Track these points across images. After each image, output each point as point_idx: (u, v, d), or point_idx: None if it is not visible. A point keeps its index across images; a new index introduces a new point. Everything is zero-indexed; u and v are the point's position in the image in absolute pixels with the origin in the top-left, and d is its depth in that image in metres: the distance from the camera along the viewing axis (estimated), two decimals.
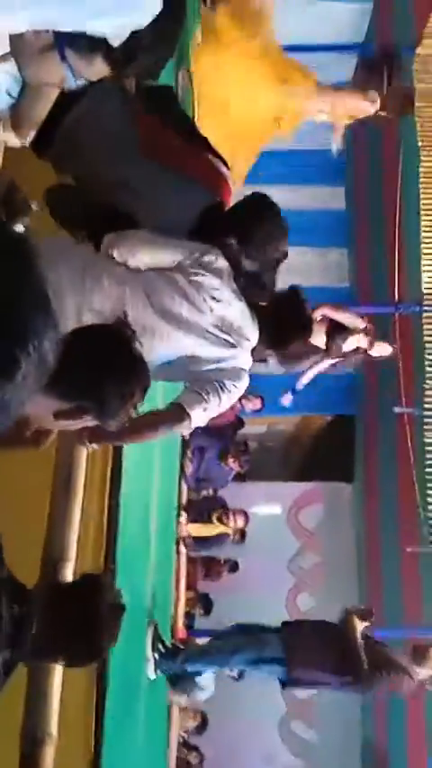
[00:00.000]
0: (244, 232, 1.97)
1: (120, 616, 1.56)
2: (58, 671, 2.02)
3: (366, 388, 7.37)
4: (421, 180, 5.78)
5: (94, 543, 2.74)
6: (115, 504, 2.88)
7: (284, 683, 3.89)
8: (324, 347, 4.52)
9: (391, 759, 6.34)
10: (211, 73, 2.73)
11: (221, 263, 1.94)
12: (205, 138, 2.25)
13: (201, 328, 1.91)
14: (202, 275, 1.90)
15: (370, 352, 4.78)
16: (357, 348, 4.69)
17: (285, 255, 2.04)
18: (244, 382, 2.01)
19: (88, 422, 1.36)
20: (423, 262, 5.63)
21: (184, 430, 2.04)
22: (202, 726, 5.75)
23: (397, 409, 5.82)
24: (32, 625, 1.44)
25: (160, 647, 3.86)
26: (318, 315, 4.39)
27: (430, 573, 5.63)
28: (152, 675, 3.78)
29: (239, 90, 3.02)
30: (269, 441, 9.42)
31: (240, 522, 6.10)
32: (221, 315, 1.93)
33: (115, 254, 1.86)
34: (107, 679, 2.70)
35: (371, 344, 4.72)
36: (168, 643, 4.07)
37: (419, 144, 5.71)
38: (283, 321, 2.05)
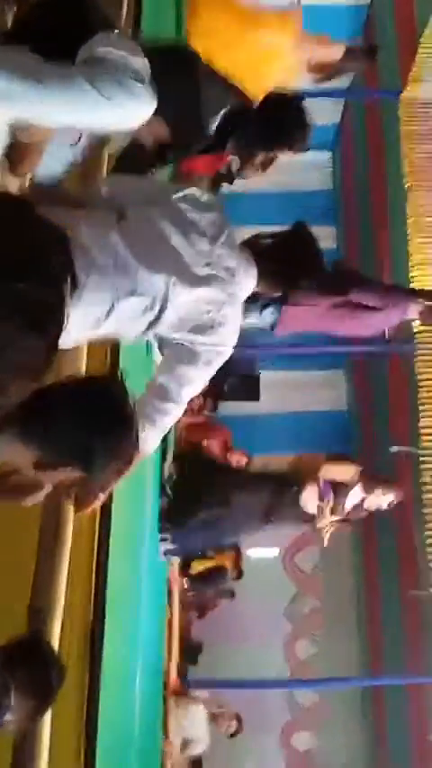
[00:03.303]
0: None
1: None
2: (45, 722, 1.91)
3: (361, 425, 7.31)
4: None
5: (82, 594, 2.64)
6: (104, 551, 2.79)
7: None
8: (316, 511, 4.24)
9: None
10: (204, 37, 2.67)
11: (209, 197, 1.84)
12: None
13: (188, 267, 1.75)
14: (192, 211, 1.78)
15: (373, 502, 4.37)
16: (361, 500, 4.30)
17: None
18: (229, 346, 1.83)
19: (70, 474, 1.30)
20: (411, 273, 5.57)
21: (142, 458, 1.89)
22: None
23: (394, 449, 5.75)
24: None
25: None
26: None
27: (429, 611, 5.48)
28: None
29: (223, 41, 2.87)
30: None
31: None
32: (215, 252, 1.78)
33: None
34: (96, 731, 2.57)
35: (370, 492, 4.31)
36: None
37: (406, 186, 5.76)
38: (293, 257, 1.90)
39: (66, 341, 1.61)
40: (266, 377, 7.63)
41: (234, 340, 1.85)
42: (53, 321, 0.91)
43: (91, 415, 1.32)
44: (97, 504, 1.85)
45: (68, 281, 1.11)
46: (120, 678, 3.13)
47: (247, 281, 1.88)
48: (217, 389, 7.16)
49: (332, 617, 7.16)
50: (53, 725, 1.92)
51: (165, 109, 1.75)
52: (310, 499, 4.22)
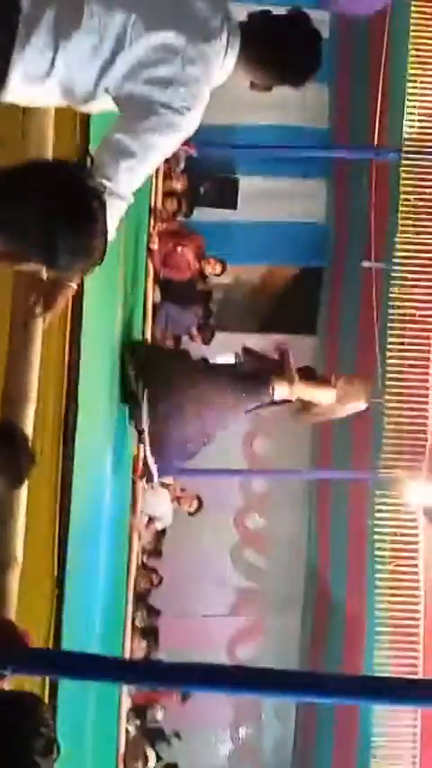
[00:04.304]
0: None
1: None
2: (21, 500, 2.11)
3: (336, 240, 7.23)
4: (413, 16, 5.26)
5: (55, 384, 2.75)
6: (76, 343, 2.86)
7: None
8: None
9: (332, 573, 7.03)
10: None
11: None
12: None
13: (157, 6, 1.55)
14: None
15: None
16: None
17: None
18: (191, 117, 1.62)
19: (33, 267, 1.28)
20: (408, 102, 5.27)
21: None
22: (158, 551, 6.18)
23: (365, 263, 5.76)
24: None
25: None
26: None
27: (379, 416, 5.87)
28: None
29: None
30: (235, 292, 9.37)
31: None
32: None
33: None
34: (70, 505, 2.83)
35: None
36: None
37: None
38: (291, 44, 1.68)
39: (17, 87, 1.53)
40: (244, 182, 7.32)
41: (197, 113, 1.64)
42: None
43: (54, 208, 1.26)
44: (63, 303, 1.81)
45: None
46: (92, 463, 3.38)
47: (227, 52, 1.66)
48: (192, 193, 6.89)
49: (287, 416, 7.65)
50: (28, 503, 2.12)
51: None
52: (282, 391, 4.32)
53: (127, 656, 4.75)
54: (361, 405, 4.63)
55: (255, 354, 4.57)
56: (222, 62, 1.66)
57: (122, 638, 4.94)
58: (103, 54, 1.56)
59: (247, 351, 4.62)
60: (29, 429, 2.18)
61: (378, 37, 5.72)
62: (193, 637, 6.73)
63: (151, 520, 5.56)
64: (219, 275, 6.43)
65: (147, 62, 1.57)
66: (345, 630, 6.49)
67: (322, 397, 4.43)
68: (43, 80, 1.58)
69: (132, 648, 5.20)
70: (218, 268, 6.27)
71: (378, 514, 5.75)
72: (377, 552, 5.75)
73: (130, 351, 4.26)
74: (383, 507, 5.74)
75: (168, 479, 5.31)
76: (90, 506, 3.33)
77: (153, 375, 4.21)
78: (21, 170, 1.33)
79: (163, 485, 5.38)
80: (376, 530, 5.72)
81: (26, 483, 2.00)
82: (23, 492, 2.09)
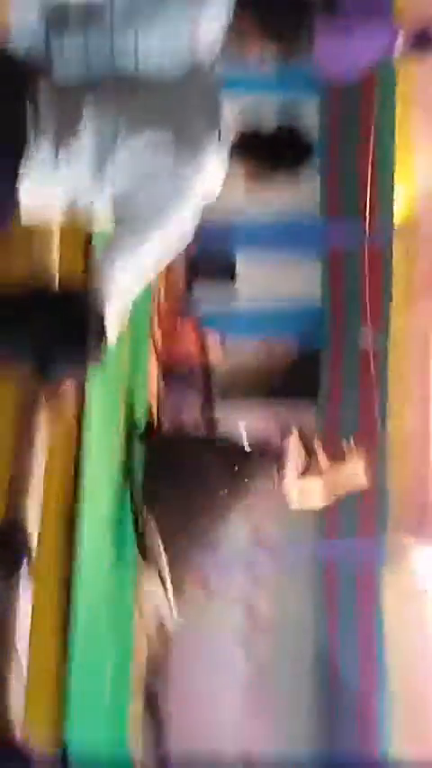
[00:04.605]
0: None
1: None
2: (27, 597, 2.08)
3: (332, 317, 7.38)
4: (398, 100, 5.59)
5: (60, 477, 2.75)
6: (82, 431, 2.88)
7: None
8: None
9: (342, 656, 6.77)
10: None
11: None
12: None
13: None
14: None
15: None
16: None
17: None
18: (189, 206, 1.67)
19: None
20: (396, 192, 5.52)
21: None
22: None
23: (362, 335, 5.86)
24: None
25: None
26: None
27: (383, 489, 5.79)
28: None
29: None
30: (234, 373, 9.50)
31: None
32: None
33: None
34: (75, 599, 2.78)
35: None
36: None
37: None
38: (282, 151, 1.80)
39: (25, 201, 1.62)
40: (242, 259, 7.57)
41: (189, 209, 1.70)
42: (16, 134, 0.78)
43: (49, 326, 1.32)
44: (65, 397, 1.80)
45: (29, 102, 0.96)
46: (97, 551, 3.34)
47: (218, 155, 1.73)
48: (191, 268, 7.10)
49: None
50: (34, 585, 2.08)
51: None
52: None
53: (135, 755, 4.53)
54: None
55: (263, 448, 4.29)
56: (214, 164, 1.74)
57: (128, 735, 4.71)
58: (99, 156, 1.64)
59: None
60: (34, 523, 2.18)
61: (365, 129, 6.04)
62: (200, 731, 6.45)
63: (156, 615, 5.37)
64: (219, 347, 6.55)
65: (138, 162, 1.64)
66: (357, 712, 6.23)
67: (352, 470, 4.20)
68: (47, 186, 1.69)
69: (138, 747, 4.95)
70: (217, 339, 6.42)
71: (387, 591, 5.63)
72: (388, 632, 5.59)
73: (136, 441, 4.08)
74: (392, 584, 5.63)
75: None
76: (94, 603, 3.26)
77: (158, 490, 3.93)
78: (21, 289, 1.40)
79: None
80: (386, 609, 5.58)
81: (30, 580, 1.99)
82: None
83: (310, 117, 7.68)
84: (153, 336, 5.92)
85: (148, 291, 5.61)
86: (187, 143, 1.66)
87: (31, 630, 2.12)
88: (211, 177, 1.74)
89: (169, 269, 6.56)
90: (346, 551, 6.45)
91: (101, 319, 1.49)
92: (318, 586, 7.14)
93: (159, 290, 6.21)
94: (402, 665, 5.52)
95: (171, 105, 1.69)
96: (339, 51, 3.60)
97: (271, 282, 7.62)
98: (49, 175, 1.66)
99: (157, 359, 6.05)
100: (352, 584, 6.48)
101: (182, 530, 3.99)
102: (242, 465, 4.11)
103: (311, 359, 7.60)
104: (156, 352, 6.02)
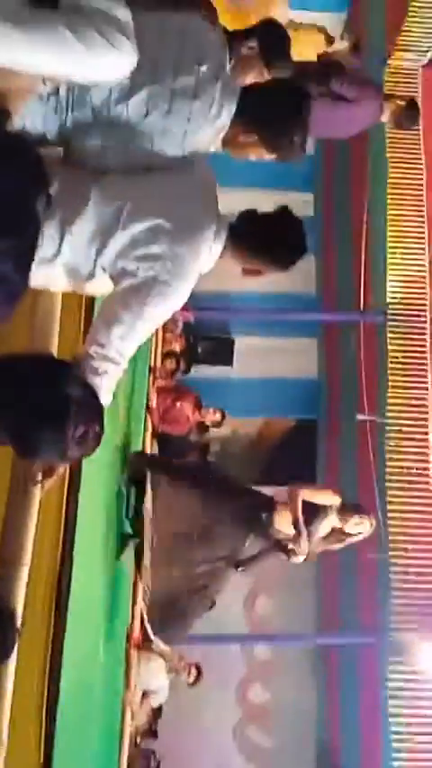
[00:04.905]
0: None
1: None
2: (9, 674, 1.99)
3: (329, 393, 7.43)
4: (389, 189, 5.86)
5: (50, 545, 2.70)
6: (73, 504, 2.85)
7: None
8: (293, 534, 4.14)
9: (345, 759, 6.40)
10: None
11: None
12: None
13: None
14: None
15: (347, 530, 4.26)
16: (332, 529, 4.23)
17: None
18: (184, 285, 1.76)
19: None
20: (389, 270, 5.70)
21: None
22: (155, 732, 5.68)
23: (359, 416, 5.87)
24: None
25: None
26: (297, 502, 4.10)
27: (386, 580, 5.69)
28: None
29: None
30: (233, 445, 9.47)
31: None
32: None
33: None
34: (59, 680, 2.66)
35: (345, 521, 4.23)
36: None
37: (387, 155, 5.79)
38: (276, 236, 1.89)
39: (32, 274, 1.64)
40: (239, 342, 7.69)
41: (185, 287, 1.79)
42: (26, 227, 0.79)
43: (35, 405, 1.31)
44: (62, 470, 1.80)
45: (42, 194, 1.00)
46: (84, 628, 3.22)
47: (215, 241, 1.84)
48: (190, 352, 7.22)
49: (291, 574, 7.39)
50: (16, 675, 1.99)
51: None
52: (284, 522, 4.15)
53: None
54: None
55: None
56: (211, 248, 1.86)
57: None
58: (101, 237, 1.74)
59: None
60: (21, 592, 2.11)
61: (358, 209, 6.30)
62: None
63: (146, 695, 5.12)
64: (219, 424, 6.54)
65: (138, 242, 1.74)
66: None
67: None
68: (51, 263, 1.77)
69: None
70: (218, 416, 6.43)
71: (391, 683, 5.35)
72: (393, 727, 5.27)
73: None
74: (396, 675, 5.35)
75: (164, 646, 5.00)
76: (81, 679, 3.12)
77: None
78: (9, 360, 1.40)
79: (158, 653, 5.04)
80: (391, 701, 5.28)
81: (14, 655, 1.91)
82: (10, 669, 1.97)
83: (304, 208, 8.08)
84: (151, 412, 5.94)
85: (146, 368, 5.68)
86: (186, 232, 1.77)
87: (13, 708, 2.01)
88: (206, 263, 1.86)
89: (169, 351, 6.69)
90: (347, 644, 6.20)
91: (88, 395, 1.48)
92: (318, 673, 6.82)
93: (157, 368, 6.29)
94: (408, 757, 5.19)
95: (172, 195, 1.81)
96: (332, 119, 3.87)
97: (268, 361, 7.72)
98: (52, 255, 1.75)
99: (154, 433, 6.04)
100: (353, 672, 6.18)
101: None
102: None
103: (309, 431, 7.60)
104: (153, 426, 6.02)
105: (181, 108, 1.81)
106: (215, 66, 1.85)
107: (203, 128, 1.85)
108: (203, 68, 1.81)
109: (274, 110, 1.94)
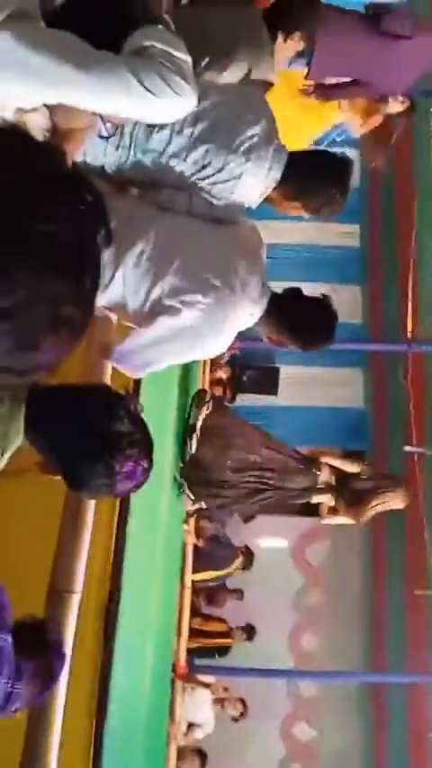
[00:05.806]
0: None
1: None
2: (58, 708, 2.00)
3: (375, 424, 7.34)
4: None
5: (100, 573, 2.72)
6: (122, 535, 2.87)
7: None
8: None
9: None
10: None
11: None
12: None
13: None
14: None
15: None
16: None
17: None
18: (220, 338, 1.96)
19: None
20: None
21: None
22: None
23: (407, 448, 5.78)
24: None
25: None
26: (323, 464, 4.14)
27: None
28: None
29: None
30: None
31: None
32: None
33: None
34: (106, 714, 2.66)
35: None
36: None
37: None
38: (311, 323, 2.06)
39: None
40: (285, 371, 7.68)
41: (221, 341, 1.94)
42: (89, 267, 0.81)
43: (85, 439, 1.34)
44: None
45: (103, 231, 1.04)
46: (132, 660, 3.22)
47: (256, 306, 1.98)
48: (236, 381, 7.24)
49: (338, 611, 7.24)
50: (65, 701, 2.01)
51: None
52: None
53: None
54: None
55: None
56: (251, 310, 1.99)
57: None
58: (152, 275, 1.85)
59: None
60: (72, 620, 2.13)
61: (404, 240, 6.28)
62: None
63: (191, 726, 5.05)
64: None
65: (186, 289, 1.87)
66: None
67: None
68: (103, 291, 1.84)
69: None
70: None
71: None
72: None
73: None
74: None
75: (210, 678, 4.94)
76: (128, 711, 3.11)
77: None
78: (62, 391, 1.45)
79: (204, 685, 4.98)
80: None
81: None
82: (59, 703, 1.99)
83: (351, 239, 8.04)
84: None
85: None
86: (231, 296, 1.91)
87: (63, 727, 2.02)
88: (246, 324, 2.01)
89: (216, 378, 6.74)
90: (395, 683, 6.01)
91: (139, 430, 1.54)
92: (365, 713, 6.62)
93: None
94: None
95: (224, 252, 1.95)
96: (388, 65, 3.88)
97: (314, 390, 7.69)
98: (104, 287, 1.83)
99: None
100: (402, 713, 5.98)
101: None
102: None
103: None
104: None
105: (235, 168, 1.93)
106: (268, 128, 1.97)
107: (252, 189, 1.97)
108: (258, 130, 1.93)
109: (318, 183, 2.07)
